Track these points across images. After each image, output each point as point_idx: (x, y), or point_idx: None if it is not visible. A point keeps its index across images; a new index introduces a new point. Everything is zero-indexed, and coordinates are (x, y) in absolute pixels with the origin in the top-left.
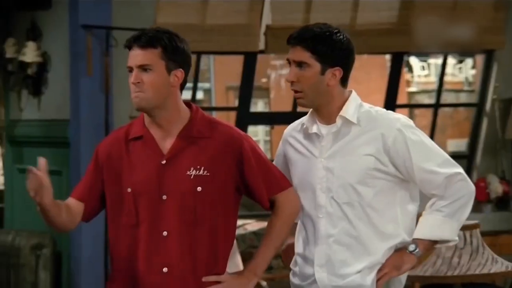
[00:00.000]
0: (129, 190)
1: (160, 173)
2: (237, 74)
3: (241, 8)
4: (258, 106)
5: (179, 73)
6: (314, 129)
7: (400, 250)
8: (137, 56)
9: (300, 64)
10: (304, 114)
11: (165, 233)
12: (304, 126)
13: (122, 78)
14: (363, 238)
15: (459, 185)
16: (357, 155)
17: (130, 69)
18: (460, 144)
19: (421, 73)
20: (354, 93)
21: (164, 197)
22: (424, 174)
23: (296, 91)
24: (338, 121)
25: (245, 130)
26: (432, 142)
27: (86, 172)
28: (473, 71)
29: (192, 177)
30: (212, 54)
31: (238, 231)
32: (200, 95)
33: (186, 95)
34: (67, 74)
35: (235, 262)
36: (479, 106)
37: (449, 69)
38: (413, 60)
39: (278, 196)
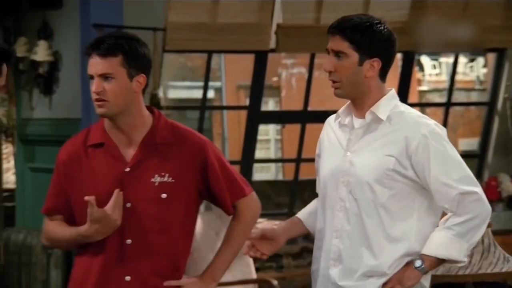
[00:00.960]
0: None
1: (124, 181)
2: (248, 73)
3: (252, 7)
4: (269, 105)
5: (141, 78)
6: (346, 120)
7: (407, 264)
8: (97, 64)
9: (338, 54)
10: (316, 112)
11: (129, 241)
12: (339, 116)
13: None
14: (371, 238)
15: (474, 205)
16: (378, 153)
17: (91, 77)
18: (471, 143)
19: (432, 72)
20: (393, 91)
21: (128, 205)
22: (439, 185)
23: (333, 81)
24: (368, 116)
25: (256, 128)
26: (458, 156)
27: (52, 183)
28: (484, 70)
29: (156, 184)
30: (223, 53)
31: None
32: (211, 94)
33: (197, 94)
34: (78, 73)
35: (246, 261)
36: (491, 105)
37: (460, 68)
38: (424, 59)
39: (240, 202)
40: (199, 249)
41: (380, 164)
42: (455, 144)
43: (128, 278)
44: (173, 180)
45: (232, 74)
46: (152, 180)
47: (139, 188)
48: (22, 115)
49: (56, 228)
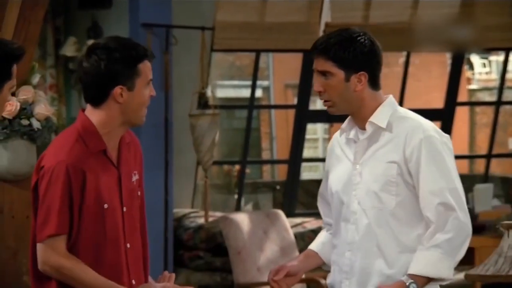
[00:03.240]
0: (105, 206)
1: (119, 184)
2: (296, 72)
3: (300, 5)
4: (317, 103)
5: None
6: (351, 134)
7: (398, 282)
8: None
9: (324, 74)
10: None
11: (128, 245)
12: (343, 131)
13: (182, 76)
14: (383, 247)
15: (453, 223)
16: (382, 161)
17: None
18: None
19: (482, 70)
20: (390, 98)
21: (125, 208)
22: (425, 193)
23: (325, 101)
24: (368, 127)
25: (304, 128)
26: (451, 167)
27: (54, 198)
28: None
29: (135, 183)
30: (271, 52)
31: (297, 229)
32: (259, 93)
33: (245, 93)
34: None
35: None
36: None
37: (510, 66)
38: (474, 58)
39: None
40: (246, 248)
41: (384, 171)
42: (505, 144)
43: (134, 281)
44: (138, 176)
45: (280, 73)
46: (132, 179)
47: (127, 191)
48: (71, 114)
49: (83, 271)
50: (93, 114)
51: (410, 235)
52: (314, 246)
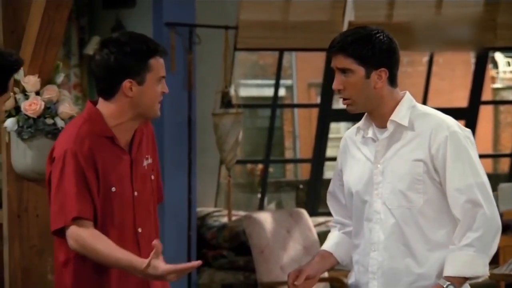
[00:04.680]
0: (113, 189)
1: (130, 169)
2: (319, 71)
3: (323, 5)
4: (340, 102)
5: None
6: (370, 133)
7: (436, 286)
8: None
9: (344, 71)
10: None
11: (140, 229)
12: (360, 130)
13: (205, 75)
14: (412, 246)
15: (481, 219)
16: (407, 160)
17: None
18: None
19: (506, 69)
20: (408, 95)
21: (136, 193)
22: (452, 191)
23: (344, 99)
24: (390, 126)
25: (327, 127)
26: (477, 161)
27: (69, 183)
28: None
29: (146, 167)
30: (294, 51)
31: (320, 228)
32: (282, 92)
33: (269, 92)
34: None
35: None
36: None
37: None
38: (498, 56)
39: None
40: (270, 247)
41: (410, 170)
42: None
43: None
44: (151, 161)
45: (303, 72)
46: (144, 164)
47: (139, 175)
48: None
49: (101, 243)
50: (104, 107)
51: (439, 232)
52: (328, 246)
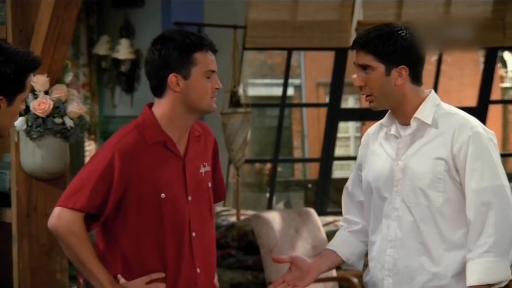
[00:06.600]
0: (163, 195)
1: (184, 175)
2: (328, 70)
3: (332, 4)
4: (349, 102)
5: None
6: (392, 130)
7: None
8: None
9: (365, 68)
10: None
11: (193, 234)
12: (383, 127)
13: None
14: (428, 244)
15: (495, 222)
16: (429, 158)
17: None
18: None
19: None
20: (432, 93)
21: (189, 198)
22: (469, 192)
23: (366, 96)
24: (413, 123)
25: (336, 126)
26: (497, 163)
27: (90, 178)
28: None
29: (203, 174)
30: (302, 50)
31: (329, 228)
32: (290, 91)
33: (277, 91)
34: None
35: None
36: None
37: None
38: (507, 55)
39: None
40: (278, 246)
41: (431, 168)
42: None
43: (198, 270)
44: (209, 168)
45: (311, 71)
46: (200, 171)
47: (194, 181)
48: (104, 113)
49: (84, 246)
50: (157, 106)
51: (456, 232)
52: (331, 245)
